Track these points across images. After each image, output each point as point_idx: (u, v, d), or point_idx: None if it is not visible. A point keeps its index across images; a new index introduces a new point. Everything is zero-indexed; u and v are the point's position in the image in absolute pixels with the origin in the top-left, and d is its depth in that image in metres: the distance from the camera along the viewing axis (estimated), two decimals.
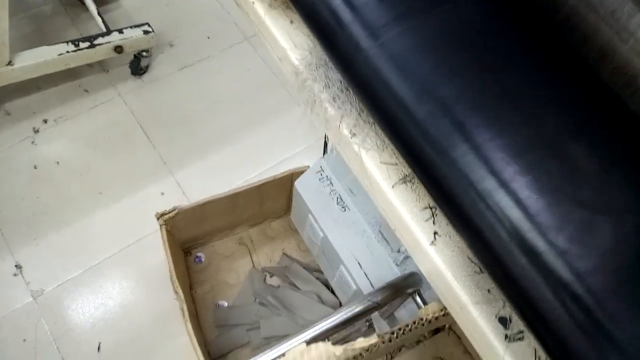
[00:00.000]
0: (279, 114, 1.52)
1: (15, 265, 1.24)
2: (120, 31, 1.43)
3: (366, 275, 0.90)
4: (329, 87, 0.53)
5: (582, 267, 0.33)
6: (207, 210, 1.17)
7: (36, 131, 1.41)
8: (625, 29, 0.39)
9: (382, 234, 0.92)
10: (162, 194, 1.37)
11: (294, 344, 0.55)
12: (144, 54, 1.49)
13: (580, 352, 0.33)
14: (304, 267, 1.26)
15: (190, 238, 1.26)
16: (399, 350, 0.95)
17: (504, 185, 0.38)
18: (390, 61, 0.45)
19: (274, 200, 1.27)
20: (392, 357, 0.95)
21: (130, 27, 1.45)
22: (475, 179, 0.39)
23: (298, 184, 1.05)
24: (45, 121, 1.43)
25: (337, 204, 0.99)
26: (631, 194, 0.37)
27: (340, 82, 0.53)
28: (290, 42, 0.56)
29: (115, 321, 1.21)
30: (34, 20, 1.60)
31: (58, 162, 1.38)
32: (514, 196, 0.37)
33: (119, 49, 1.42)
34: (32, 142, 1.40)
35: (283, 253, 1.31)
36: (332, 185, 1.01)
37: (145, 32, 1.45)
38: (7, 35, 1.22)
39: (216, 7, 1.69)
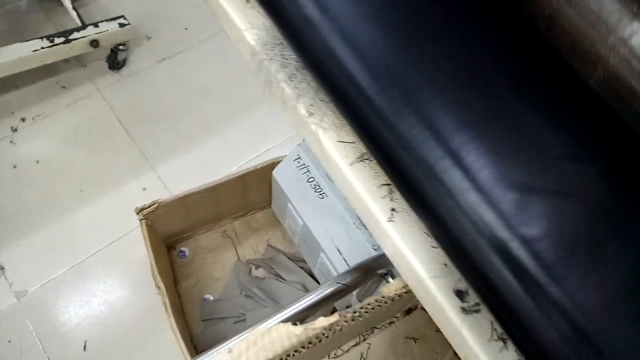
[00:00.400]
0: (260, 104, 1.50)
1: None
2: (96, 25, 1.41)
3: (345, 261, 0.89)
4: (285, 67, 0.52)
5: (528, 234, 0.32)
6: (188, 203, 1.16)
7: (14, 130, 1.39)
8: None
9: (359, 219, 0.90)
10: (144, 189, 1.36)
11: (261, 330, 0.54)
12: (121, 47, 1.47)
13: (533, 323, 0.32)
14: (289, 258, 1.25)
15: (173, 232, 1.24)
16: (372, 332, 0.94)
17: (452, 154, 0.36)
18: (340, 34, 0.43)
19: (257, 191, 1.26)
20: (364, 339, 0.95)
21: (106, 20, 1.43)
22: (426, 152, 0.38)
23: (276, 172, 1.04)
24: (24, 119, 1.41)
25: (315, 191, 0.97)
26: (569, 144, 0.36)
27: (296, 60, 0.51)
28: (247, 22, 0.55)
29: (101, 319, 1.20)
30: (8, 17, 1.58)
31: (38, 161, 1.36)
32: (462, 166, 0.36)
33: (94, 44, 1.40)
34: (11, 142, 1.38)
35: (268, 244, 1.30)
36: (310, 172, 0.99)
37: (121, 25, 1.43)
38: None
39: None
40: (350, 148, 0.48)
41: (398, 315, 0.70)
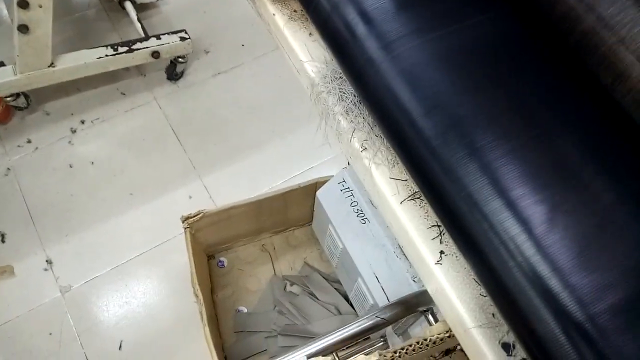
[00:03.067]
0: (309, 123, 1.52)
1: (46, 261, 1.28)
2: (158, 37, 1.47)
3: (383, 290, 0.89)
4: (342, 100, 0.53)
5: (583, 295, 0.32)
6: (231, 215, 1.18)
7: (73, 131, 1.46)
8: None
9: (401, 248, 0.90)
10: (190, 197, 1.40)
11: (297, 356, 0.54)
12: (180, 59, 1.53)
13: None
14: (324, 278, 1.26)
15: (214, 242, 1.27)
16: None
17: (510, 206, 0.36)
18: (401, 75, 0.44)
19: (298, 208, 1.27)
20: None
21: (168, 33, 1.48)
22: (481, 199, 0.38)
23: (320, 193, 1.05)
24: (83, 122, 1.48)
25: (358, 216, 0.98)
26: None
27: (354, 95, 0.52)
28: (308, 54, 0.57)
29: (138, 320, 1.23)
30: (77, 24, 1.66)
31: (92, 162, 1.43)
32: (519, 217, 0.36)
33: (156, 55, 1.46)
34: (69, 142, 1.45)
35: (304, 262, 1.31)
36: (354, 196, 1.00)
37: (182, 39, 1.48)
38: (50, 38, 1.27)
39: (251, 15, 1.71)
40: (401, 185, 0.48)
41: (437, 355, 0.69)
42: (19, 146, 1.43)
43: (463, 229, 0.39)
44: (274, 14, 0.59)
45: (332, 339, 0.60)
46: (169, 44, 1.47)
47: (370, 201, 0.98)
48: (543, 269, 0.35)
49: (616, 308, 0.33)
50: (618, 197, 0.37)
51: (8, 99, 1.38)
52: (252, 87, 1.59)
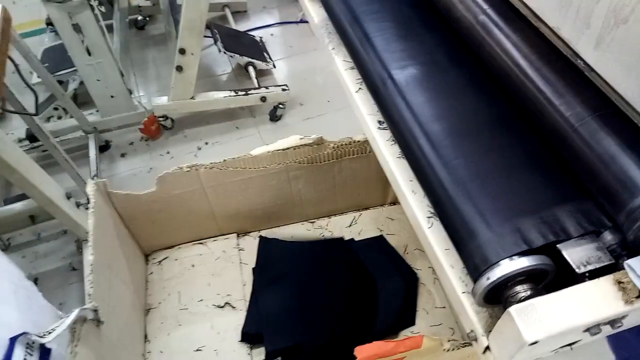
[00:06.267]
0: None
1: None
2: (267, 87, 2.02)
3: None
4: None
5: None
6: None
7: (199, 149, 2.01)
8: None
9: None
10: None
11: None
12: (281, 105, 2.05)
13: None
14: None
15: None
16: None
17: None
18: None
19: None
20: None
21: (274, 86, 2.03)
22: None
23: None
24: (207, 143, 2.03)
25: None
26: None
27: None
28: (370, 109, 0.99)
29: None
30: (213, 83, 2.30)
31: None
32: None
33: (263, 99, 2.00)
34: (195, 155, 1.98)
35: None
36: None
37: (283, 89, 2.02)
38: (194, 78, 1.86)
39: (336, 80, 2.23)
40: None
41: None
42: (160, 155, 1.99)
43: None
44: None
45: None
46: (274, 92, 2.01)
47: None
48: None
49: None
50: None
51: (160, 119, 1.97)
52: (332, 129, 2.04)
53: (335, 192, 1.35)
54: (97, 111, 1.97)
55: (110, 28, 2.28)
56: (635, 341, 0.71)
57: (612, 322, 0.48)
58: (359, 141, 1.25)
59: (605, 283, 0.48)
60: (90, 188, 1.11)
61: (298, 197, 1.33)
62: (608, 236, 0.52)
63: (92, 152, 1.91)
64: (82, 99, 2.10)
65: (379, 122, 0.76)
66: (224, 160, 1.20)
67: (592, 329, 0.48)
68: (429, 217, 0.65)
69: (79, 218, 1.61)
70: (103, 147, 2.02)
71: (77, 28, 1.66)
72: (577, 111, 0.54)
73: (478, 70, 0.71)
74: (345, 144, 1.24)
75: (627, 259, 0.49)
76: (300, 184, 1.30)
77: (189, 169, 1.20)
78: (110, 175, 1.94)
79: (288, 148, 1.22)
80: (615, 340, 0.77)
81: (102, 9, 1.89)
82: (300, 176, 1.28)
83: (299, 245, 1.35)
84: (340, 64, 0.85)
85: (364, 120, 0.77)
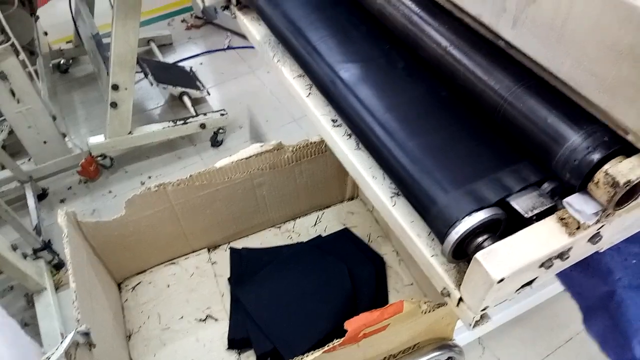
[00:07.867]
0: None
1: None
2: (204, 114, 2.05)
3: None
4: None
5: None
6: None
7: (142, 183, 1.99)
8: None
9: None
10: None
11: None
12: (220, 130, 2.08)
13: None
14: None
15: None
16: None
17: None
18: None
19: None
20: None
21: (211, 112, 2.06)
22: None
23: None
24: (150, 177, 2.01)
25: None
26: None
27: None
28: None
29: None
30: (148, 117, 2.30)
31: None
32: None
33: (202, 125, 2.02)
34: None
35: None
36: None
37: (222, 114, 2.05)
38: (130, 113, 1.85)
39: (273, 100, 2.30)
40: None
41: None
42: (102, 195, 1.96)
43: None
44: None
45: None
46: (212, 118, 2.04)
47: None
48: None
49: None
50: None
51: (98, 158, 1.94)
52: None
53: (298, 195, 1.41)
54: (30, 160, 1.91)
55: (35, 74, 2.22)
56: (580, 276, 0.81)
57: (561, 255, 0.57)
58: (315, 142, 1.32)
59: (550, 222, 0.57)
60: (61, 218, 1.09)
61: (263, 204, 1.38)
62: (547, 184, 0.61)
63: (31, 201, 1.85)
64: (12, 149, 2.03)
65: (333, 120, 0.82)
66: (190, 176, 1.23)
67: (546, 263, 0.56)
68: (391, 197, 0.72)
69: (27, 269, 1.56)
70: (41, 196, 1.96)
71: (2, 75, 1.62)
72: (506, 84, 0.63)
73: (415, 63, 0.79)
74: (303, 146, 1.31)
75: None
76: (264, 190, 1.35)
77: (156, 188, 1.22)
78: (51, 223, 1.88)
79: (250, 156, 1.27)
80: (566, 279, 0.87)
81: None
82: (264, 183, 1.34)
83: (270, 250, 1.40)
84: (288, 73, 0.91)
85: (318, 120, 0.83)
